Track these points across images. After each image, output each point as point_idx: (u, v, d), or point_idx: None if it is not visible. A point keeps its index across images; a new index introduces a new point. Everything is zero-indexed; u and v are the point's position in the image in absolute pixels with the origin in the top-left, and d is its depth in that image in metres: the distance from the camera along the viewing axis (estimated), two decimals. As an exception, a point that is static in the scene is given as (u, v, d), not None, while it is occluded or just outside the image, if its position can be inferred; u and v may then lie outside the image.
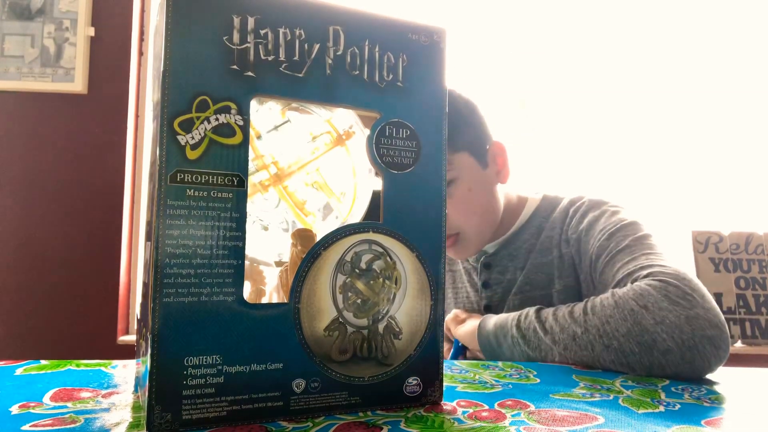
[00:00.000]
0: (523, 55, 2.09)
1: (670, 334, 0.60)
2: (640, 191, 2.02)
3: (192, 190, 0.39)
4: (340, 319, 0.43)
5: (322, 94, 0.44)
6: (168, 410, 0.37)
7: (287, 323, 0.41)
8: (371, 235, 0.44)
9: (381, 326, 0.44)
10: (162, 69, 0.39)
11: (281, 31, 0.42)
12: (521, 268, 0.87)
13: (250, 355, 0.40)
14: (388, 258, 0.45)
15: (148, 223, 0.42)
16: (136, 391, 0.47)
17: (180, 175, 0.38)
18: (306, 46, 0.43)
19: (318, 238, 0.44)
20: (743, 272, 1.91)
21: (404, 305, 0.45)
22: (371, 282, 0.44)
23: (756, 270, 1.93)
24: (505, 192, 0.93)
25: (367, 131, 0.46)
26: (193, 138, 0.39)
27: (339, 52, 0.44)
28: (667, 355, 0.59)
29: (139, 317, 0.47)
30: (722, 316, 0.62)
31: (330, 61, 0.44)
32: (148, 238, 0.42)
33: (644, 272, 0.68)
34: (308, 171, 0.54)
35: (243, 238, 0.40)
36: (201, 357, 0.38)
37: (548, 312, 0.69)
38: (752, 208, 2.10)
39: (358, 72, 0.44)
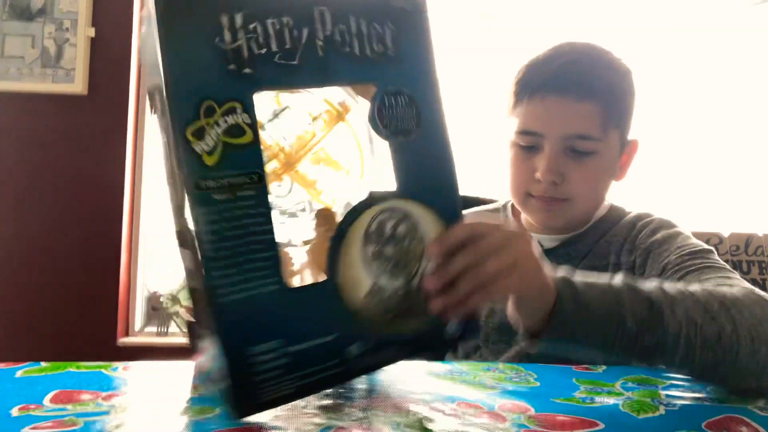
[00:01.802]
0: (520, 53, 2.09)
1: None
2: (639, 191, 2.02)
3: (218, 195, 0.40)
4: (378, 285, 0.45)
5: (318, 77, 0.45)
6: (247, 396, 0.41)
7: (331, 298, 0.44)
8: (389, 203, 0.46)
9: (415, 283, 0.47)
10: (163, 82, 0.39)
11: (269, 22, 0.42)
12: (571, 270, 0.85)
13: (305, 333, 0.43)
14: (409, 220, 0.47)
15: (179, 232, 0.44)
16: (201, 383, 0.49)
17: (203, 183, 0.39)
18: (295, 32, 0.43)
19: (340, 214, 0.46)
20: (743, 274, 1.91)
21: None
22: (398, 245, 0.46)
23: (756, 271, 1.92)
24: None
25: (360, 99, 0.48)
26: (207, 145, 0.39)
27: (328, 33, 0.44)
28: None
29: (191, 319, 0.50)
30: None
31: (321, 43, 0.44)
32: (182, 245, 0.44)
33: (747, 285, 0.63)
34: (315, 151, 0.55)
35: (273, 230, 0.42)
36: (263, 345, 0.41)
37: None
38: (752, 209, 2.10)
39: (349, 48, 0.45)
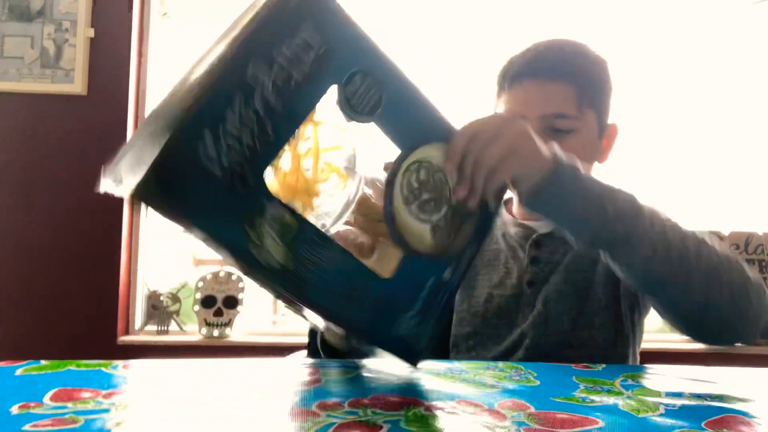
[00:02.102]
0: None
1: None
2: (639, 191, 2.02)
3: (307, 269, 0.47)
4: (433, 225, 0.55)
5: (293, 125, 0.46)
6: (412, 353, 0.56)
7: (415, 262, 0.54)
8: (404, 165, 0.52)
9: (453, 199, 0.56)
10: (204, 238, 0.43)
11: (228, 115, 0.42)
12: (570, 250, 0.88)
13: (416, 295, 0.54)
14: (423, 164, 0.53)
15: (285, 299, 0.53)
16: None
17: (295, 272, 0.46)
18: (251, 106, 0.43)
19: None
20: (743, 272, 1.91)
21: (456, 176, 0.55)
22: (428, 187, 0.54)
23: (756, 270, 1.92)
24: None
25: None
26: (275, 253, 0.45)
27: (271, 80, 0.44)
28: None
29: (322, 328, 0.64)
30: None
31: (273, 97, 0.44)
32: (290, 307, 0.55)
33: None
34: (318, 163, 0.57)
35: (346, 251, 0.50)
36: (398, 325, 0.53)
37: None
38: (752, 208, 2.10)
39: (294, 77, 0.45)
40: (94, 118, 1.90)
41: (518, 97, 0.84)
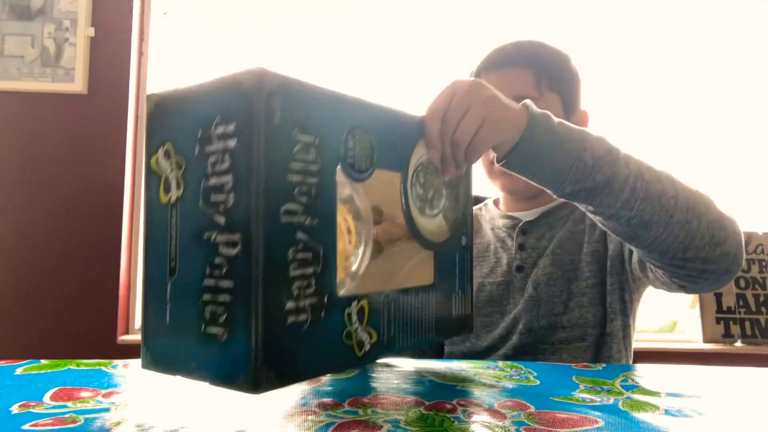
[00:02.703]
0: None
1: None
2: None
3: (397, 333, 0.50)
4: (444, 212, 0.58)
5: (333, 225, 0.43)
6: (470, 321, 0.61)
7: (442, 248, 0.57)
8: (408, 183, 0.53)
9: (447, 179, 0.58)
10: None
11: (290, 267, 0.40)
12: (556, 235, 0.91)
13: (452, 274, 0.58)
14: (419, 168, 0.54)
15: None
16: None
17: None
18: (299, 243, 0.40)
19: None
20: (743, 272, 1.92)
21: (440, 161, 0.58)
22: (428, 185, 0.56)
23: (756, 270, 1.93)
24: None
25: None
26: (365, 343, 0.47)
27: (301, 204, 0.41)
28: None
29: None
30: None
31: (308, 219, 0.41)
32: None
33: None
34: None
35: (414, 292, 0.53)
36: (455, 304, 0.59)
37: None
38: (752, 208, 2.10)
39: (312, 183, 0.41)
40: (95, 117, 1.90)
41: None
